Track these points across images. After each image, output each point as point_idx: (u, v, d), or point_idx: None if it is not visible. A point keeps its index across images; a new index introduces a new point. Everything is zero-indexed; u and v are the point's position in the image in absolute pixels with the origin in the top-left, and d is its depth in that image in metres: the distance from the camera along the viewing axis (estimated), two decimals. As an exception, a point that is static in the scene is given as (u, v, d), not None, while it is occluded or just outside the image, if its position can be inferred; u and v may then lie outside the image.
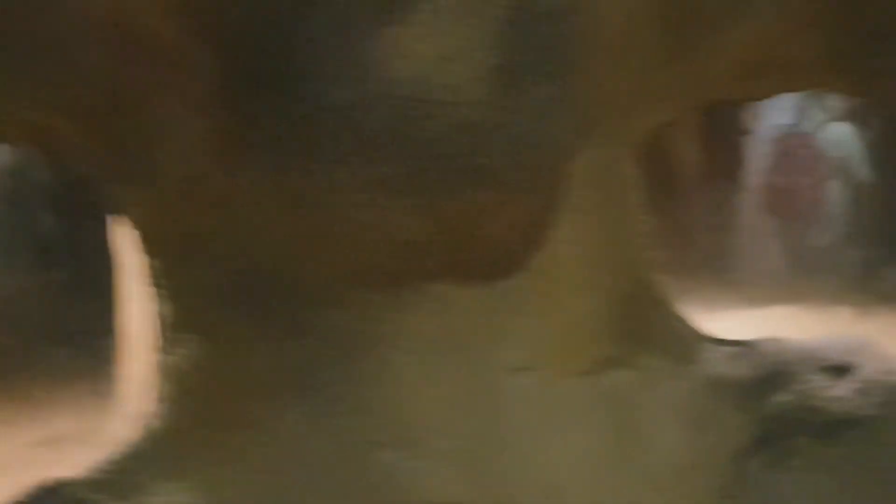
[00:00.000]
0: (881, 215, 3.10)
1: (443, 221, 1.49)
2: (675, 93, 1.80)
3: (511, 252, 1.63)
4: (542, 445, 1.73)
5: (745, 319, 2.74)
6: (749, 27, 1.74)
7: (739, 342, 1.90)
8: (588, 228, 1.70)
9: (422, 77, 1.30)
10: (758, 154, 4.30)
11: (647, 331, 1.80)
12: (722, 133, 4.10)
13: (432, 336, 1.63)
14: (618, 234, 1.75)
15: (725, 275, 3.37)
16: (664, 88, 1.78)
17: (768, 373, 1.84)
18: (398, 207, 1.47)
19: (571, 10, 1.34)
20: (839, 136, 3.55)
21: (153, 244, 1.68)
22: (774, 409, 1.81)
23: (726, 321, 2.71)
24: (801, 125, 3.95)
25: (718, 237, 3.78)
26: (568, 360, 1.71)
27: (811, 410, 1.80)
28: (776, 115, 4.35)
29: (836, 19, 1.73)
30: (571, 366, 1.72)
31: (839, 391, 1.81)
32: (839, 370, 1.83)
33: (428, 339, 1.62)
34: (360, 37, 1.31)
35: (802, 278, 3.46)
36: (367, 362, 1.61)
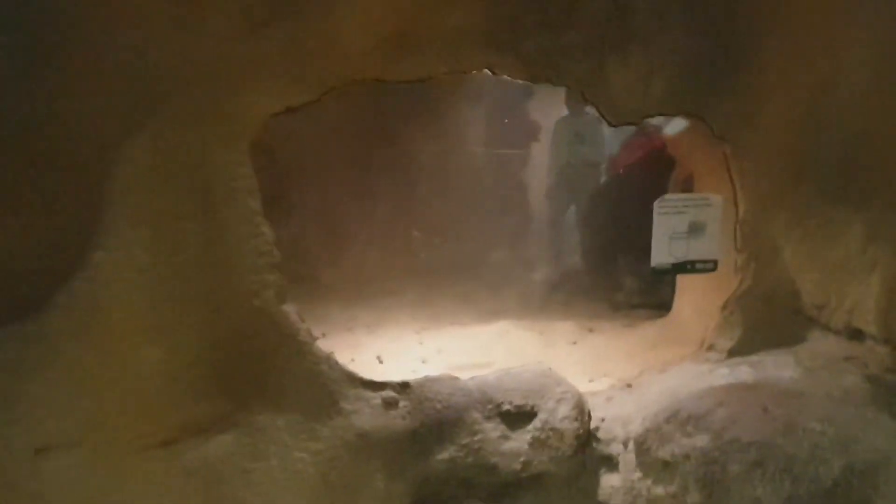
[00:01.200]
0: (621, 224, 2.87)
1: None
2: (299, 69, 1.39)
3: (24, 285, 1.15)
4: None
5: (463, 336, 2.39)
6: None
7: (401, 385, 1.52)
8: (159, 247, 1.25)
9: None
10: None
11: (265, 381, 1.38)
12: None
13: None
14: (214, 253, 1.31)
15: (463, 285, 3.03)
16: (279, 62, 1.36)
17: (433, 423, 1.46)
18: None
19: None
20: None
21: None
22: (438, 470, 1.44)
23: (440, 338, 2.37)
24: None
25: (479, 241, 3.46)
26: (134, 430, 1.25)
27: (482, 469, 1.45)
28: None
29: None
30: (142, 436, 1.26)
31: (514, 444, 1.46)
32: (516, 416, 1.49)
33: None
34: None
35: (543, 290, 3.20)
36: None
